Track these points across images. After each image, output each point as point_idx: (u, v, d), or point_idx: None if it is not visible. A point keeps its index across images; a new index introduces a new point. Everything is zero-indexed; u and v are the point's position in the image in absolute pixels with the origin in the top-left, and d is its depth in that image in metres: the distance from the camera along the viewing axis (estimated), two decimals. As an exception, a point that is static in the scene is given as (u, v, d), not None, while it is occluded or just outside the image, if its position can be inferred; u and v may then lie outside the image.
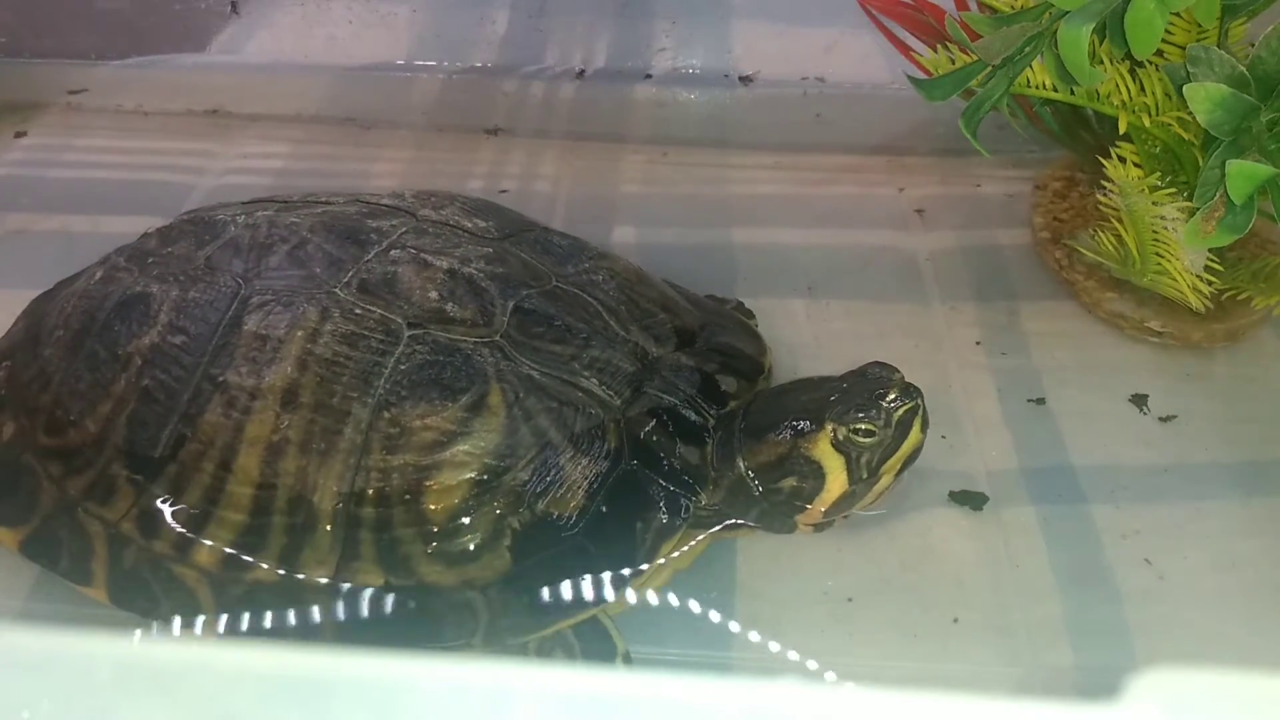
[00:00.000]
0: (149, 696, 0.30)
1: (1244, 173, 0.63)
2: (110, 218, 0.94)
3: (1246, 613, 0.64)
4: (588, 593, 0.59)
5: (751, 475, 0.63)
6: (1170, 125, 0.73)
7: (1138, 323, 0.81)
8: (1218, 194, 0.65)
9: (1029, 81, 0.74)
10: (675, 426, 0.63)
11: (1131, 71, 0.74)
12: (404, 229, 0.68)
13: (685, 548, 0.63)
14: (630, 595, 0.61)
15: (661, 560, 0.61)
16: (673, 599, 0.63)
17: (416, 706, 0.30)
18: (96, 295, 0.67)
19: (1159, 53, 0.69)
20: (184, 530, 0.60)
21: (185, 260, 0.68)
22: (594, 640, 0.60)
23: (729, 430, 0.64)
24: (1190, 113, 0.65)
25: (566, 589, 0.59)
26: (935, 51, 0.78)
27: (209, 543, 0.60)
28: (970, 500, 0.70)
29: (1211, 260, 0.75)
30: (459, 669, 0.31)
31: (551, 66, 1.13)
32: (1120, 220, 0.76)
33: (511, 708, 0.30)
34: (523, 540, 0.59)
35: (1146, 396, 0.77)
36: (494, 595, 0.59)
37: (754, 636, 0.63)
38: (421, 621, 0.58)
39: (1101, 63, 0.73)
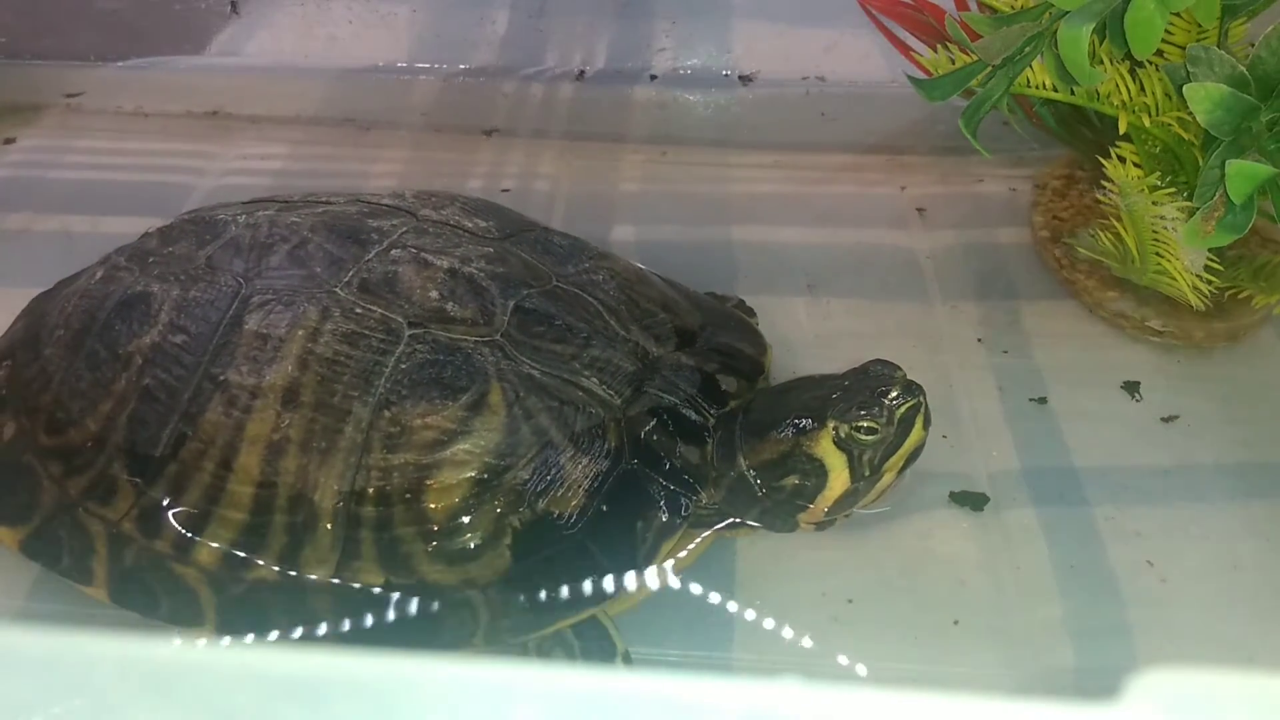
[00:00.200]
0: (149, 698, 0.30)
1: (1244, 172, 0.63)
2: (110, 218, 0.93)
3: (1249, 614, 0.64)
4: (588, 592, 0.59)
5: (753, 473, 0.63)
6: (1170, 125, 0.73)
7: (1139, 322, 0.81)
8: (1217, 194, 0.65)
9: (1029, 81, 0.74)
10: (676, 426, 0.63)
11: (1131, 71, 0.74)
12: (404, 228, 0.68)
13: (687, 548, 0.63)
14: (631, 595, 0.61)
15: (662, 561, 0.61)
16: (672, 599, 0.63)
17: (416, 707, 0.30)
18: (97, 294, 0.67)
19: (1159, 53, 0.69)
20: (185, 529, 0.60)
21: (186, 260, 0.68)
22: (594, 640, 0.60)
23: (730, 429, 0.64)
24: (1190, 112, 0.65)
25: (567, 588, 0.59)
26: (935, 51, 0.78)
27: (210, 542, 0.60)
28: (971, 501, 0.70)
29: (1211, 259, 0.75)
30: (458, 669, 0.31)
31: (551, 67, 1.13)
32: (1120, 219, 0.76)
33: (511, 708, 0.30)
34: (523, 539, 0.59)
35: (1138, 384, 0.77)
36: (494, 594, 0.59)
37: (754, 637, 0.63)
38: (422, 620, 0.58)
39: (1101, 63, 0.73)
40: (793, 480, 0.62)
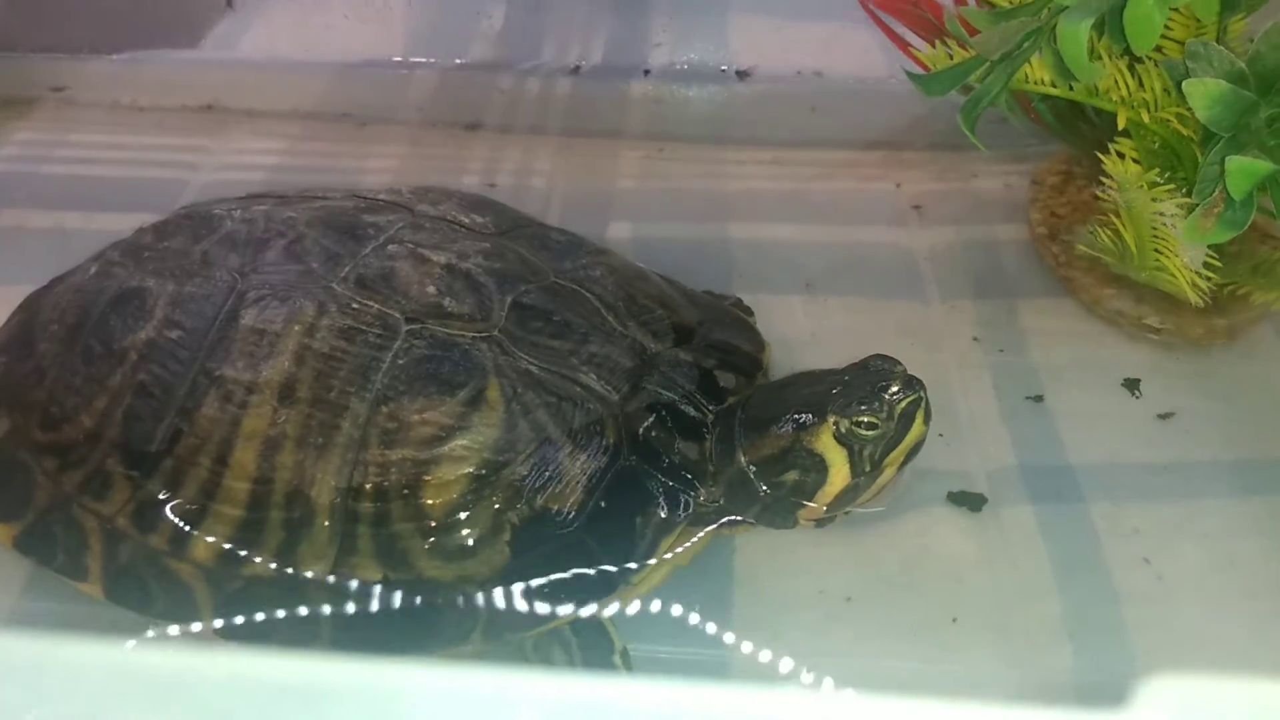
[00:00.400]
0: (143, 702, 0.30)
1: (1243, 169, 0.62)
2: (105, 214, 0.93)
3: (1245, 612, 0.64)
4: (586, 589, 0.59)
5: (753, 469, 0.63)
6: (1169, 121, 0.73)
7: (1136, 319, 0.81)
8: (1217, 190, 0.65)
9: (1027, 77, 0.74)
10: (674, 422, 0.63)
11: (1130, 67, 0.74)
12: (401, 224, 0.68)
13: (685, 545, 0.63)
14: (629, 592, 0.61)
15: (660, 558, 0.61)
16: (670, 597, 0.63)
17: (413, 711, 0.30)
18: (92, 290, 0.67)
19: (1158, 48, 0.68)
20: (180, 525, 0.60)
21: (181, 255, 0.68)
22: (591, 637, 0.60)
23: (729, 425, 0.64)
24: (1189, 108, 0.65)
25: (565, 585, 0.59)
26: (933, 47, 0.78)
27: (206, 538, 0.59)
28: (969, 501, 0.70)
29: (1210, 256, 0.75)
30: (455, 674, 0.31)
31: (548, 62, 1.13)
32: (1118, 216, 0.76)
33: (509, 713, 0.30)
34: (521, 535, 0.59)
35: (1138, 381, 0.77)
36: (492, 591, 0.58)
37: (751, 635, 0.63)
38: (420, 617, 0.58)
39: (1100, 58, 0.73)
40: (793, 476, 0.62)
